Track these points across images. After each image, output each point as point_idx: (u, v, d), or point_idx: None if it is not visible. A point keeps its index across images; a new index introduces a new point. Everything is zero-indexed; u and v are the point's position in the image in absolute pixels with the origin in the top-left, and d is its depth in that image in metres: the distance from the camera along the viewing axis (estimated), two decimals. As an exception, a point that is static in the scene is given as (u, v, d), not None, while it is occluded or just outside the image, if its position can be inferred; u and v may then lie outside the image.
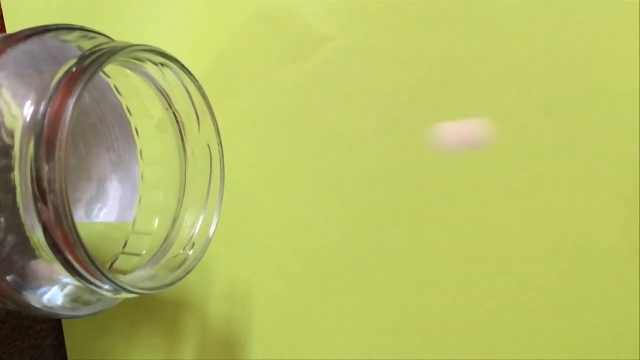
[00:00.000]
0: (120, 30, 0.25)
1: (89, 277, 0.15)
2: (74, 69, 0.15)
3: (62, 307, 0.17)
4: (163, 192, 0.21)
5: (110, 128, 0.21)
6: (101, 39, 0.18)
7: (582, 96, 0.22)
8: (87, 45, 0.17)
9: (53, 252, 0.15)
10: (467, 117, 0.23)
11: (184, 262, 0.19)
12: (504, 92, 0.23)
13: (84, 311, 0.18)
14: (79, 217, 0.21)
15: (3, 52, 0.16)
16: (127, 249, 0.20)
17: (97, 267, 0.15)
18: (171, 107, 0.20)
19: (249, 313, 0.26)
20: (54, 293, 0.17)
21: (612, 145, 0.22)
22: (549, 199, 0.22)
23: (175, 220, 0.20)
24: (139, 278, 0.18)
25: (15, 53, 0.16)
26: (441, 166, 0.23)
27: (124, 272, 0.19)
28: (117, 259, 0.20)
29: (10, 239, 0.16)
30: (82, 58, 0.16)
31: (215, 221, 0.20)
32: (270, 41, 0.25)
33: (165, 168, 0.21)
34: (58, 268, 0.16)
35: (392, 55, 0.24)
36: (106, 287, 0.16)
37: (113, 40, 0.18)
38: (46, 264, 0.16)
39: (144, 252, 0.20)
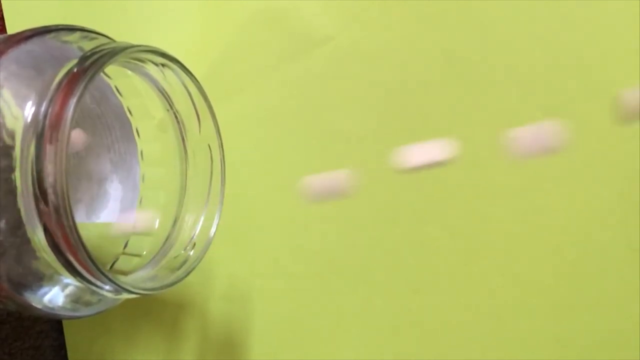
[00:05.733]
0: (120, 31, 0.25)
1: (89, 277, 0.15)
2: (75, 70, 0.15)
3: (63, 308, 0.17)
4: (163, 192, 0.21)
5: (110, 128, 0.21)
6: (102, 40, 0.18)
7: (581, 94, 0.22)
8: (88, 45, 0.17)
9: (54, 252, 0.15)
10: (467, 116, 0.23)
11: (184, 262, 0.19)
12: (504, 91, 0.23)
13: (85, 311, 0.18)
14: (80, 217, 0.21)
15: (4, 52, 0.16)
16: (127, 250, 0.20)
17: (97, 268, 0.15)
18: (172, 108, 0.20)
19: (249, 313, 0.26)
20: (55, 293, 0.17)
21: (612, 143, 0.22)
22: (548, 198, 0.22)
23: (175, 221, 0.20)
24: (139, 278, 0.18)
25: (16, 54, 0.16)
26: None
27: (125, 273, 0.19)
28: (117, 259, 0.20)
29: (11, 239, 0.16)
30: (83, 58, 0.16)
31: (215, 221, 0.20)
32: (270, 41, 0.25)
33: (165, 168, 0.21)
34: (59, 268, 0.16)
35: (392, 55, 0.24)
36: (107, 287, 0.16)
37: (114, 41, 0.18)
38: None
39: (145, 252, 0.20)
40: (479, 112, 0.23)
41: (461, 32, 0.23)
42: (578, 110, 0.22)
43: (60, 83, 0.15)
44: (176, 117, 0.20)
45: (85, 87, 0.15)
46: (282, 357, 0.25)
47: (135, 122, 0.21)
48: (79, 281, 0.16)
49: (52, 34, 0.17)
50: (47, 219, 0.15)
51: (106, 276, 0.15)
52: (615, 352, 0.22)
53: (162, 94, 0.19)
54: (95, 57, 0.16)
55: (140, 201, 0.21)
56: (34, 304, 0.17)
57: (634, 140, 0.22)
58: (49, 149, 0.14)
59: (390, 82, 0.24)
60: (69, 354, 0.28)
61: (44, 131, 0.15)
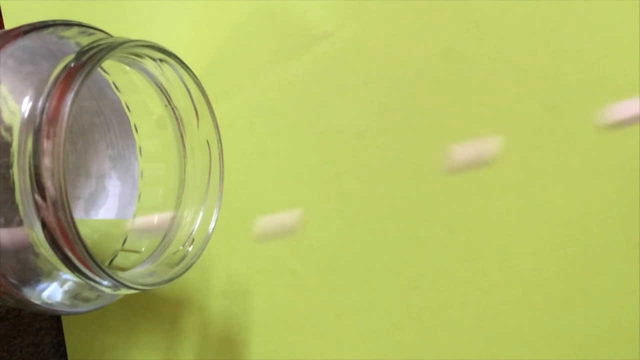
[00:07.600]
0: (118, 26, 0.25)
1: (88, 272, 0.15)
2: (72, 64, 0.15)
3: (61, 304, 0.17)
4: (162, 188, 0.21)
5: (109, 125, 0.21)
6: (99, 35, 0.18)
7: (581, 90, 0.22)
8: (85, 41, 0.17)
9: (52, 248, 0.15)
10: (465, 112, 0.23)
11: (183, 258, 0.19)
12: (503, 87, 0.23)
13: (84, 307, 0.18)
14: (78, 214, 0.21)
15: (1, 47, 0.16)
16: (126, 246, 0.20)
17: (96, 263, 0.15)
18: (170, 103, 0.20)
19: (249, 310, 0.25)
20: (53, 289, 0.17)
21: (611, 139, 0.22)
22: (548, 194, 0.22)
23: (174, 217, 0.20)
24: (138, 274, 0.18)
25: (13, 49, 0.16)
26: (439, 162, 0.23)
27: (123, 269, 0.19)
28: (116, 255, 0.20)
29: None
30: (80, 53, 0.16)
31: (214, 217, 0.20)
32: (269, 37, 0.25)
33: (164, 164, 0.21)
34: (57, 264, 0.16)
35: (391, 51, 0.24)
36: (105, 282, 0.16)
37: (111, 36, 0.18)
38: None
39: (143, 248, 0.20)
40: (478, 109, 0.23)
41: (460, 28, 0.23)
42: (578, 108, 0.22)
43: (57, 78, 0.15)
44: (174, 112, 0.20)
45: (82, 82, 0.15)
46: (282, 353, 0.25)
47: (133, 118, 0.21)
48: (78, 277, 0.16)
49: (50, 29, 0.17)
50: (45, 214, 0.15)
51: (104, 271, 0.15)
52: (615, 349, 0.22)
53: (160, 90, 0.19)
54: (93, 52, 0.16)
55: (139, 197, 0.21)
56: (32, 300, 0.16)
57: (633, 135, 0.22)
58: (46, 144, 0.14)
59: (389, 79, 0.24)
60: (69, 352, 0.28)
61: (41, 126, 0.15)
